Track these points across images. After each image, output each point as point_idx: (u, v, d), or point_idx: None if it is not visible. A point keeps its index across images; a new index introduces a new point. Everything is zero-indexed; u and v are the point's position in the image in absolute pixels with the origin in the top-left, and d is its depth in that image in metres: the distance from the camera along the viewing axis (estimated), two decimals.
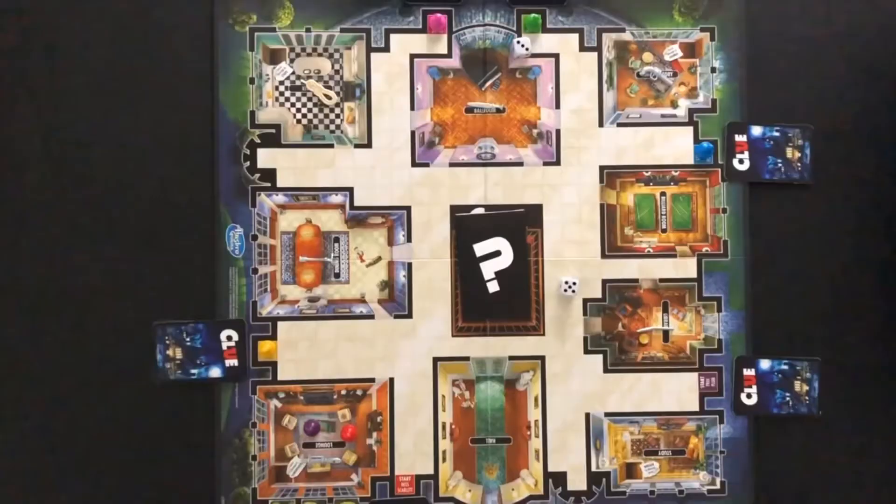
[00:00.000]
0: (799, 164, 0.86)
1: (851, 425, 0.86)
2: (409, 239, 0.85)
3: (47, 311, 0.82)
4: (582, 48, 0.86)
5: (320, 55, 0.85)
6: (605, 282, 0.85)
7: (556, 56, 0.86)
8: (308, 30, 0.85)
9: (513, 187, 0.85)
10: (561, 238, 0.85)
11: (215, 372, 0.82)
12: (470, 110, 0.86)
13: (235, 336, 0.82)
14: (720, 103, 0.87)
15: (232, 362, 0.82)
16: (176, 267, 0.83)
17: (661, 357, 0.86)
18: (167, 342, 0.82)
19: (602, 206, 0.86)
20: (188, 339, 0.82)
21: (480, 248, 0.84)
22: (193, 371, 0.82)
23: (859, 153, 0.87)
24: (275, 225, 0.84)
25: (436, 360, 0.84)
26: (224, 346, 0.82)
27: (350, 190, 0.84)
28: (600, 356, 0.85)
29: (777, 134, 0.86)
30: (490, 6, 0.86)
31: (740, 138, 0.86)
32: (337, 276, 0.85)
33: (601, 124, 0.86)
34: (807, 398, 0.85)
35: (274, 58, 0.85)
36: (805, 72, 0.87)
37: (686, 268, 0.86)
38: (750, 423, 0.85)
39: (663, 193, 0.86)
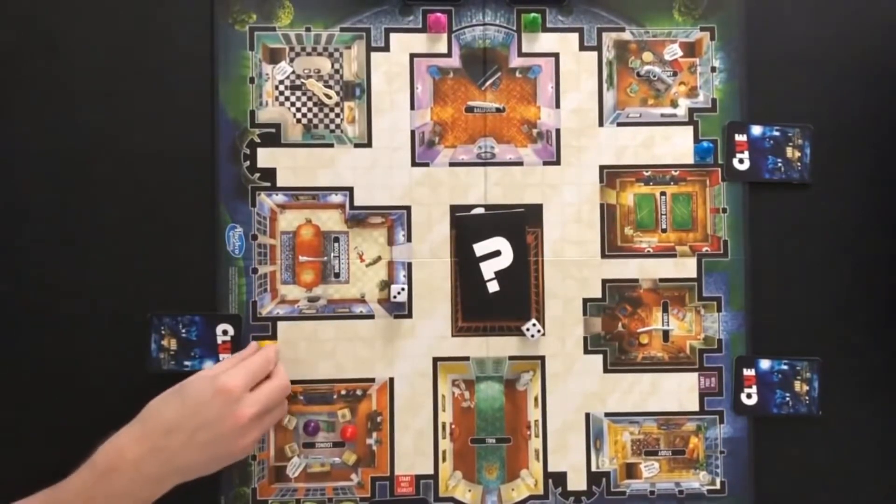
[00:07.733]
0: (799, 164, 0.86)
1: (851, 425, 0.86)
2: (409, 239, 0.85)
3: (46, 311, 0.82)
4: (582, 48, 0.86)
5: (320, 55, 0.85)
6: (604, 282, 0.85)
7: (556, 55, 0.86)
8: (308, 29, 0.85)
9: (513, 187, 0.85)
10: (561, 238, 0.85)
11: (208, 365, 0.82)
12: (470, 110, 0.86)
13: (231, 331, 0.82)
14: (720, 103, 0.86)
15: (226, 357, 0.82)
16: (175, 267, 0.83)
17: (661, 357, 0.85)
18: (163, 332, 0.82)
19: (602, 205, 0.86)
20: (184, 331, 0.82)
21: (480, 248, 0.84)
22: (187, 363, 0.82)
23: (859, 153, 0.87)
24: (275, 225, 0.84)
25: (436, 359, 0.84)
26: (219, 339, 0.82)
27: (350, 190, 0.84)
28: (600, 356, 0.85)
29: (777, 134, 0.86)
30: (490, 5, 0.86)
31: (740, 138, 0.86)
32: (337, 275, 0.84)
33: (601, 124, 0.86)
34: (807, 398, 0.85)
35: (274, 57, 0.85)
36: (805, 72, 0.87)
37: (686, 268, 0.86)
38: (750, 423, 0.85)
39: (663, 193, 0.86)
